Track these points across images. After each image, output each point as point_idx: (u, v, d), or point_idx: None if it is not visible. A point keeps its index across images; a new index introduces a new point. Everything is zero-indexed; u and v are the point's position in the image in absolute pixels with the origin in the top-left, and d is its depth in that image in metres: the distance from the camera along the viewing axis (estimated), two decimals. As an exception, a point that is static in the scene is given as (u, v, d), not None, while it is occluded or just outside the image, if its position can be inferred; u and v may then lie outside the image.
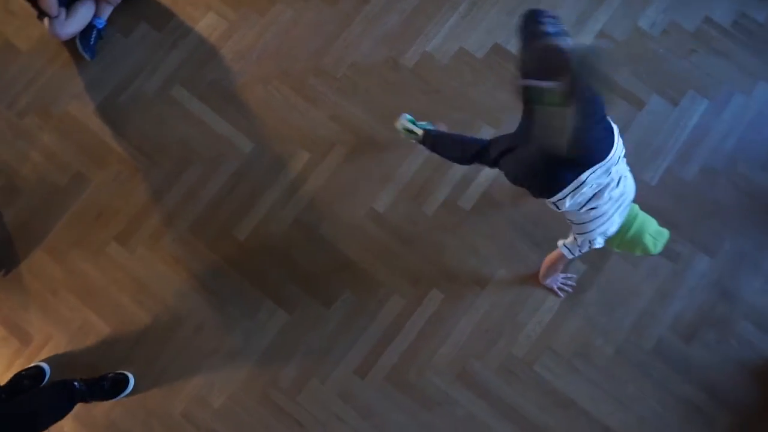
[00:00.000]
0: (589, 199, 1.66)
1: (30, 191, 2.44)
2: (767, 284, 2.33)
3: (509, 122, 2.44)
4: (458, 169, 2.41)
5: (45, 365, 2.28)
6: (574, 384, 2.28)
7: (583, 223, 1.74)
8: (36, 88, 2.51)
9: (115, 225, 2.42)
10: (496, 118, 2.46)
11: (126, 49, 2.55)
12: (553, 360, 2.29)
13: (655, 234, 1.77)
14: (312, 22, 2.57)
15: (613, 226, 1.75)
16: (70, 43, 2.51)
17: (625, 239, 1.78)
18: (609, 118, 1.63)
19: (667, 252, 2.34)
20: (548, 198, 1.69)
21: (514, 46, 2.53)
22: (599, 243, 1.80)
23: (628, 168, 1.75)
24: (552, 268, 2.14)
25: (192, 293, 2.36)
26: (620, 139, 1.65)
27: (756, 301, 2.32)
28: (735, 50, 2.51)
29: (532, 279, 2.33)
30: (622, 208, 1.74)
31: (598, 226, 1.74)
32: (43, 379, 2.25)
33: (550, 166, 1.61)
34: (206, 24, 2.58)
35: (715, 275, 2.35)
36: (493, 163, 1.83)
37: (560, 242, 1.93)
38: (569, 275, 2.32)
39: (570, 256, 1.91)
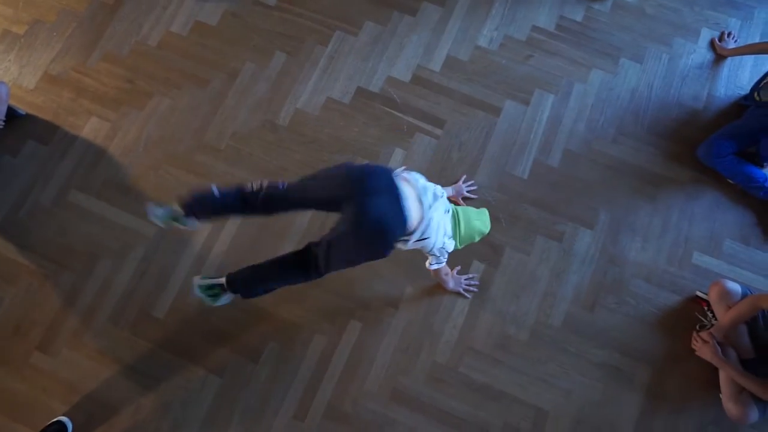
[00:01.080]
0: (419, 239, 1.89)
1: (-57, 323, 2.49)
2: (645, 242, 2.57)
3: (385, 153, 2.68)
4: (349, 205, 2.60)
5: (66, 419, 2.34)
6: (500, 375, 2.41)
7: (424, 245, 1.93)
8: (-67, 223, 2.61)
9: (34, 335, 2.47)
10: (373, 152, 2.69)
11: (17, 169, 2.69)
12: (475, 358, 2.43)
13: (478, 216, 1.99)
14: (188, 105, 2.79)
15: (447, 224, 1.95)
16: (-39, 174, 2.64)
17: (462, 236, 1.97)
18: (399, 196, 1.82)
19: (553, 234, 2.57)
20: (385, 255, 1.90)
21: (375, 86, 2.80)
22: (451, 245, 1.98)
23: (416, 186, 1.90)
24: (442, 278, 2.32)
25: (123, 381, 2.41)
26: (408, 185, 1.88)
27: (640, 258, 2.55)
28: (564, 48, 2.84)
29: (438, 289, 2.50)
30: (437, 210, 1.91)
31: (437, 238, 1.91)
32: None
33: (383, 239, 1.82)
34: (90, 129, 2.75)
35: (599, 245, 2.57)
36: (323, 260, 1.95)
37: (426, 264, 2.11)
38: (471, 275, 2.50)
39: (443, 264, 2.10)
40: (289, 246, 2.56)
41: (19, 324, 2.49)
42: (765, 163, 2.60)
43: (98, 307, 2.51)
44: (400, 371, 2.42)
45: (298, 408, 2.38)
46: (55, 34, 2.93)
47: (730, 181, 2.62)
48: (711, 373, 2.37)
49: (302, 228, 2.59)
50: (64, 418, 2.32)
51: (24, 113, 2.75)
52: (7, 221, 2.61)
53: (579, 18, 2.89)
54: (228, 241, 2.57)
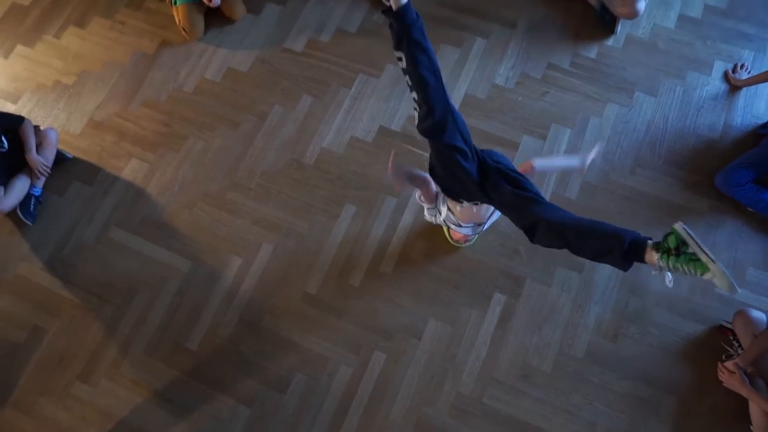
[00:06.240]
0: None
1: (-8, 354, 2.65)
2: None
3: (406, 191, 2.78)
4: (374, 238, 2.71)
5: None
6: (524, 406, 2.43)
7: None
8: (-15, 259, 2.81)
9: (76, 365, 2.61)
10: (395, 189, 2.80)
11: (63, 208, 2.88)
12: (499, 389, 2.46)
13: None
14: (221, 146, 2.96)
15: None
16: (12, 213, 2.83)
17: None
18: None
19: (572, 264, 2.61)
20: None
21: (396, 124, 2.93)
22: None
23: None
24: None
25: (156, 410, 2.51)
26: None
27: (661, 288, 2.55)
28: (579, 84, 2.94)
29: (461, 322, 2.55)
30: None
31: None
32: None
33: None
34: (130, 170, 2.95)
35: (619, 275, 2.59)
36: None
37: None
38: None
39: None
40: (315, 279, 2.66)
41: (62, 355, 2.62)
42: (785, 192, 2.62)
43: (135, 339, 2.63)
44: (424, 402, 2.45)
45: (325, 438, 2.44)
46: (100, 83, 3.17)
47: (750, 210, 2.63)
48: (740, 403, 2.33)
49: (329, 260, 2.69)
50: None
51: (71, 156, 2.97)
52: (53, 257, 2.79)
53: (593, 55, 3.00)
54: (258, 275, 2.69)
